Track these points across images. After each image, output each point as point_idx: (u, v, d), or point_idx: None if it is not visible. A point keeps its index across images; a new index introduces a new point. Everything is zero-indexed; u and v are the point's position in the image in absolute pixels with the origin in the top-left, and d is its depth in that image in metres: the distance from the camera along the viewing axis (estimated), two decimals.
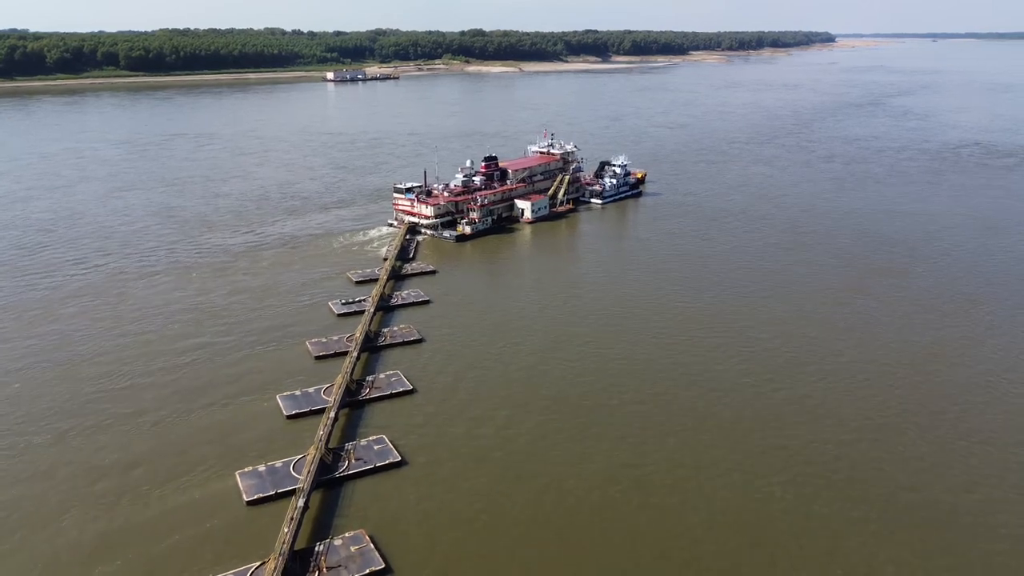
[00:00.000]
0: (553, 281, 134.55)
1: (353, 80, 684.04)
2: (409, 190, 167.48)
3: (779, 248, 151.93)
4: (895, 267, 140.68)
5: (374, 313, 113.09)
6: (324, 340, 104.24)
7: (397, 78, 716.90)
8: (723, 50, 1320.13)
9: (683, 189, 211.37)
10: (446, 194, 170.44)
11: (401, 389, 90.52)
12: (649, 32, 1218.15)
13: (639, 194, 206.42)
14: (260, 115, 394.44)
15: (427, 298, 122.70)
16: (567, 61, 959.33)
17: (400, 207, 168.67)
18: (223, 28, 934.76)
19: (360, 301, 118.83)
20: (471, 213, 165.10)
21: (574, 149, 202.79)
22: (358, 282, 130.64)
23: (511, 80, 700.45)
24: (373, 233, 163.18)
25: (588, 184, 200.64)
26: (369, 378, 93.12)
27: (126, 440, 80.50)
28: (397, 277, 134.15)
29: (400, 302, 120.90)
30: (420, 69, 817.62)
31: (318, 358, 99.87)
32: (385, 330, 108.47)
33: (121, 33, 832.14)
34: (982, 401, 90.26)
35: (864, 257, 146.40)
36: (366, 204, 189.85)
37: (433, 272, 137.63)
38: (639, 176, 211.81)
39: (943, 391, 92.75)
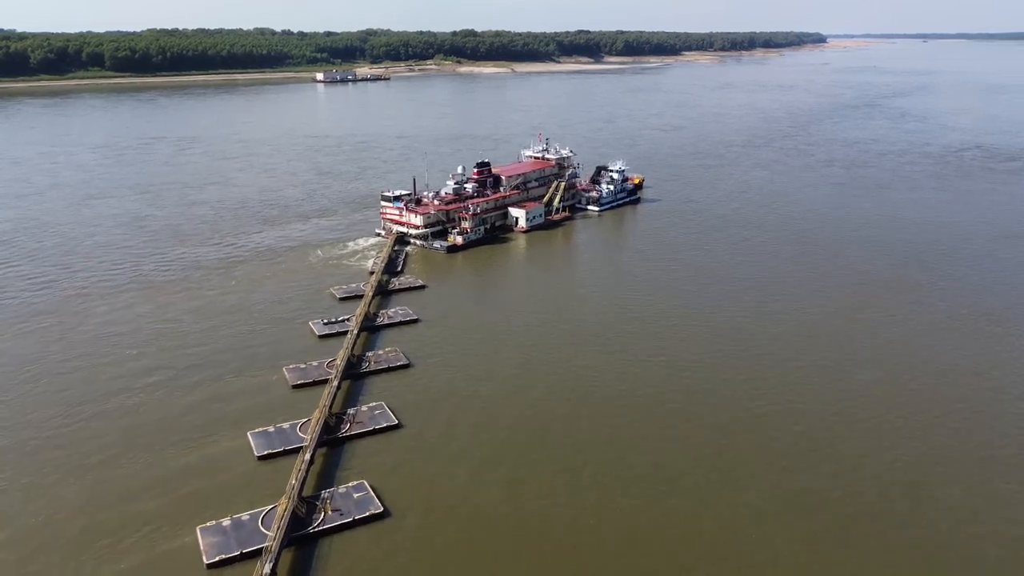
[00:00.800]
0: (550, 297, 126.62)
1: (343, 81, 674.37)
2: (397, 198, 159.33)
3: (786, 261, 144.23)
4: (908, 281, 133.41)
5: (358, 335, 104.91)
6: (303, 366, 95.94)
7: (388, 79, 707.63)
8: (715, 51, 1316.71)
9: (681, 195, 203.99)
10: (436, 202, 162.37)
11: (385, 424, 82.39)
12: (641, 33, 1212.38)
13: (637, 200, 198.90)
14: (245, 117, 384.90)
15: (415, 317, 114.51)
16: (559, 62, 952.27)
17: (388, 216, 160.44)
18: (212, 28, 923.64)
19: (343, 321, 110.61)
20: (463, 222, 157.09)
21: (570, 154, 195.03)
22: (342, 298, 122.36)
23: (503, 81, 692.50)
24: (360, 243, 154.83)
25: (584, 190, 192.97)
26: (351, 411, 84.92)
27: (59, 491, 70.99)
28: (384, 293, 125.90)
29: (386, 321, 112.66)
30: (411, 70, 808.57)
31: (296, 387, 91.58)
32: (369, 355, 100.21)
33: (108, 33, 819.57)
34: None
35: (875, 270, 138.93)
36: (351, 213, 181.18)
37: (422, 287, 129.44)
38: (636, 181, 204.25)
39: (983, 429, 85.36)
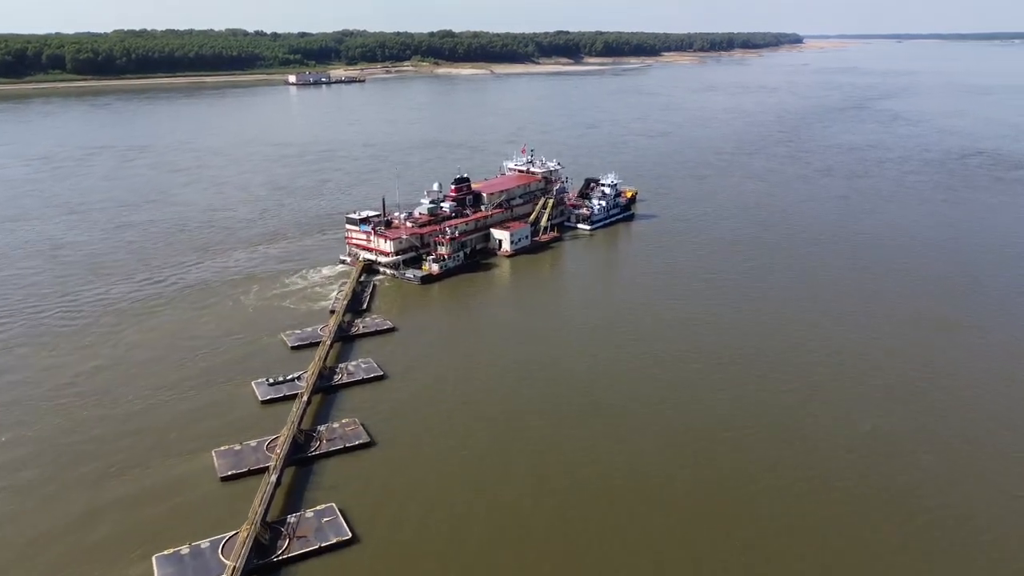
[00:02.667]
0: (537, 340, 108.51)
1: (316, 83, 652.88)
2: (364, 221, 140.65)
3: (801, 298, 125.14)
4: (951, 318, 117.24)
5: (309, 399, 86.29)
6: (237, 449, 77.13)
7: (363, 81, 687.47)
8: (695, 51, 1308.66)
9: (676, 211, 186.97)
10: (409, 224, 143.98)
11: (335, 539, 63.92)
12: (620, 33, 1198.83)
13: (631, 217, 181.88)
14: (205, 123, 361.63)
15: (380, 372, 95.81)
16: (539, 63, 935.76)
17: (354, 241, 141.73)
18: (182, 29, 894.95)
19: (293, 380, 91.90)
20: (439, 248, 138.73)
21: (557, 167, 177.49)
22: (295, 347, 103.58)
23: (482, 83, 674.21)
24: (320, 274, 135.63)
25: (574, 206, 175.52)
26: (291, 519, 66.33)
27: None
28: (345, 338, 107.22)
29: (346, 379, 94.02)
30: (388, 71, 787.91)
31: (226, 479, 72.89)
32: (322, 429, 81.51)
33: (70, 35, 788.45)
34: None
35: (909, 308, 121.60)
36: (307, 236, 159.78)
37: (391, 330, 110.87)
38: (629, 195, 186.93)
39: None
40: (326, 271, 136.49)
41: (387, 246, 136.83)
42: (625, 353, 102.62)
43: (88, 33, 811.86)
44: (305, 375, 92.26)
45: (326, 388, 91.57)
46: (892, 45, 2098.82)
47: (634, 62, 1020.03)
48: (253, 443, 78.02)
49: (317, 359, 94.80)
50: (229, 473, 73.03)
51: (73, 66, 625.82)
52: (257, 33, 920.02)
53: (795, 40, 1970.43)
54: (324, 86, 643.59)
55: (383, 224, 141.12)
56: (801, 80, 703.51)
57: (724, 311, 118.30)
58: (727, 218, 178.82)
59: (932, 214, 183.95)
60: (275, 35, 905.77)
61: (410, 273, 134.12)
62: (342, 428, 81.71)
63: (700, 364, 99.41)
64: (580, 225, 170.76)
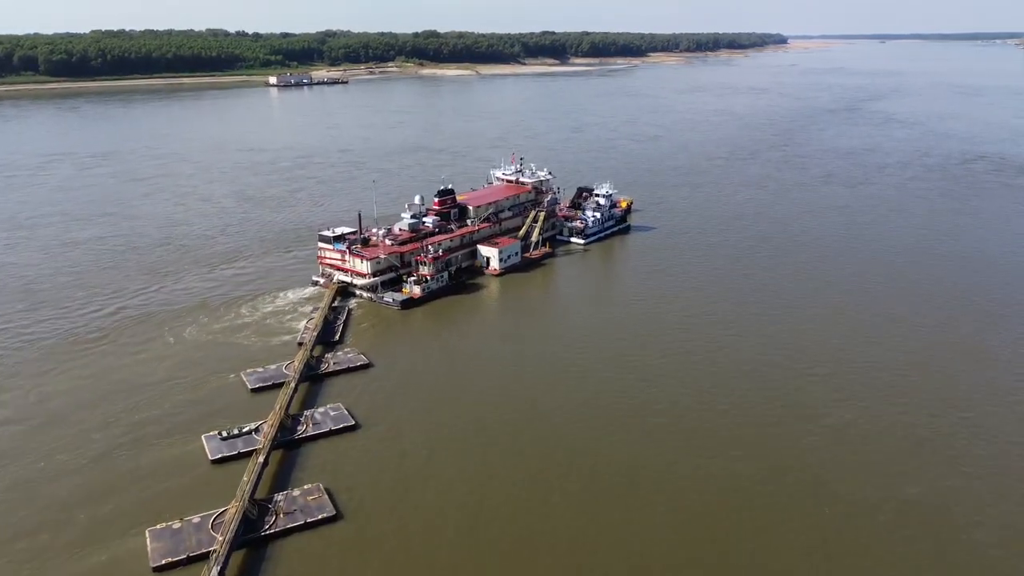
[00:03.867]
0: (535, 375, 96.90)
1: (298, 85, 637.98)
2: (339, 239, 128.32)
3: (823, 323, 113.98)
4: (999, 351, 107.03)
5: (267, 457, 74.10)
6: (176, 527, 64.77)
7: (346, 82, 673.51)
8: (681, 52, 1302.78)
9: (673, 222, 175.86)
10: (388, 242, 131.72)
11: None
12: (607, 34, 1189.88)
13: (627, 229, 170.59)
14: (176, 127, 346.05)
15: (352, 421, 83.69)
16: (525, 63, 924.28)
17: (327, 261, 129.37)
18: (161, 29, 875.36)
19: (250, 432, 79.61)
20: (421, 267, 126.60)
21: (548, 176, 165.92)
22: (256, 389, 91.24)
23: (467, 84, 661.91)
24: (288, 297, 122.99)
25: (566, 218, 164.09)
26: None
27: None
28: (314, 377, 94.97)
29: (310, 431, 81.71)
30: (372, 72, 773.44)
31: (159, 570, 60.53)
32: (279, 500, 69.22)
33: (43, 35, 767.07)
34: None
35: (942, 335, 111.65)
36: (272, 255, 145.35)
37: (366, 366, 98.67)
38: (624, 205, 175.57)
39: None
40: (293, 295, 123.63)
41: (364, 267, 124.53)
42: (628, 404, 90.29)
43: (67, 34, 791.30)
44: (264, 426, 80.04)
45: (288, 443, 79.25)
46: (875, 45, 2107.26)
47: (621, 63, 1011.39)
48: (196, 519, 65.70)
49: (278, 408, 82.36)
50: (164, 562, 60.70)
51: (46, 67, 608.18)
52: (239, 33, 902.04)
53: (780, 40, 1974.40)
54: (306, 87, 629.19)
55: (359, 242, 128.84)
56: (789, 81, 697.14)
57: (740, 345, 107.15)
58: (727, 230, 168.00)
59: (944, 226, 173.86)
60: (257, 35, 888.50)
61: (389, 297, 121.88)
62: (304, 497, 69.49)
63: (712, 422, 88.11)
64: (573, 239, 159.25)
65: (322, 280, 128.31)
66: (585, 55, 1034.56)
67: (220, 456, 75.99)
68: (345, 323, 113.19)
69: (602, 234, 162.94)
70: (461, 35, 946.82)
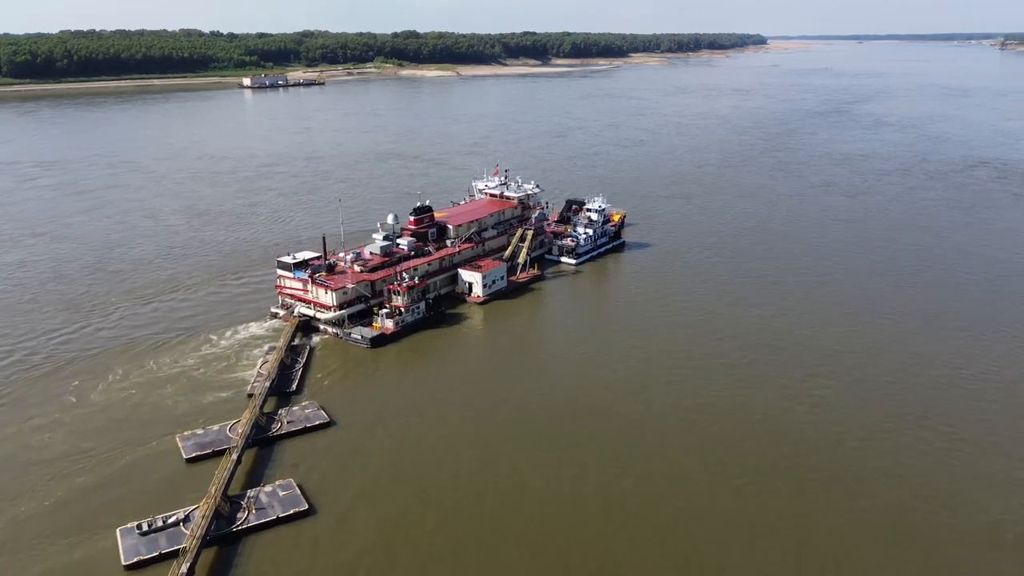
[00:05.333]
0: (524, 439, 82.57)
1: (273, 86, 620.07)
2: (301, 265, 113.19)
3: (850, 366, 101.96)
4: None
5: (196, 557, 59.08)
6: None
7: (323, 83, 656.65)
8: (662, 52, 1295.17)
9: (668, 239, 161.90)
10: (357, 268, 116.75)
11: None
12: (588, 34, 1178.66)
13: (621, 245, 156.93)
14: (134, 132, 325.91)
15: (305, 505, 68.53)
16: (506, 64, 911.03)
17: (287, 291, 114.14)
18: (132, 30, 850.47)
19: (177, 524, 64.47)
20: (395, 297, 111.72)
21: (536, 190, 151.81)
22: (192, 459, 76.02)
23: (447, 85, 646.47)
24: (240, 334, 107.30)
25: (555, 234, 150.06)
26: None
27: None
28: (263, 441, 79.88)
29: (254, 519, 66.55)
30: (350, 73, 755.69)
31: None
32: None
33: (11, 35, 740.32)
34: None
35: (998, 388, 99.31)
36: (222, 283, 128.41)
37: (326, 425, 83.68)
38: (616, 219, 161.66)
39: None
40: (244, 332, 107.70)
41: (328, 298, 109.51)
42: (630, 449, 76.95)
43: (38, 34, 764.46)
44: (195, 514, 64.97)
45: (223, 537, 64.22)
46: (854, 46, 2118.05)
47: (602, 63, 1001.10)
48: None
49: (213, 490, 67.17)
50: None
51: (9, 69, 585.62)
52: (213, 33, 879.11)
53: (760, 41, 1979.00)
54: (281, 89, 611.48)
55: (324, 269, 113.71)
56: (773, 82, 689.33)
57: (755, 401, 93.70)
58: (729, 249, 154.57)
59: (959, 242, 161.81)
60: (232, 36, 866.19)
61: (357, 333, 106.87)
62: None
63: (730, 511, 74.33)
64: (564, 259, 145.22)
65: (282, 312, 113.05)
66: (566, 56, 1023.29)
67: (136, 560, 60.77)
68: (305, 367, 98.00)
69: (595, 252, 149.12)
70: (441, 35, 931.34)
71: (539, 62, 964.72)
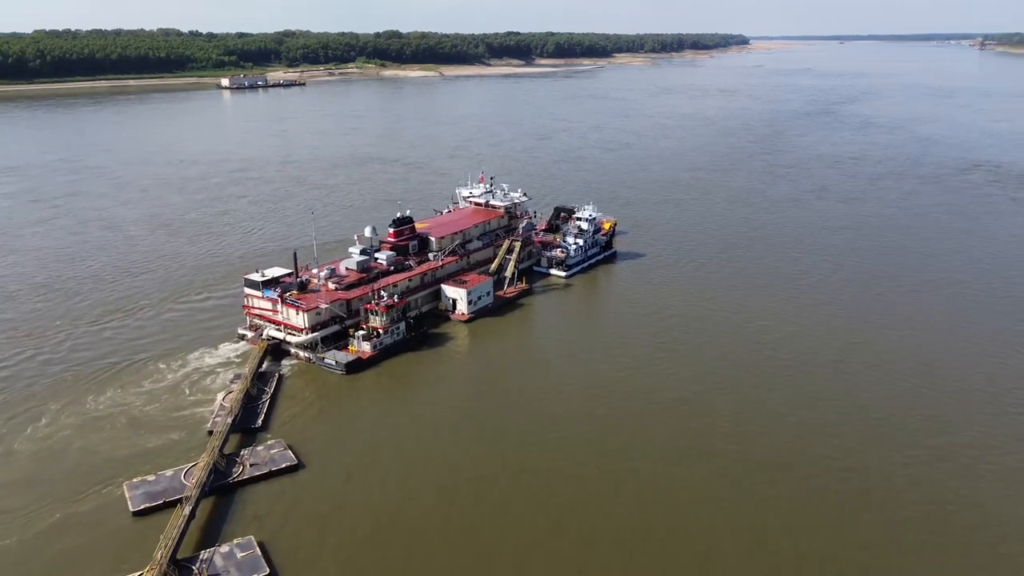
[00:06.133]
0: (514, 481, 74.57)
1: (252, 87, 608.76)
2: (270, 283, 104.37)
3: (851, 385, 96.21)
4: None
5: None
6: None
7: (303, 84, 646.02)
8: (646, 52, 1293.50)
9: (660, 248, 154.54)
10: (332, 285, 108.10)
11: None
12: (572, 34, 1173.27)
13: (613, 256, 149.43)
14: (102, 136, 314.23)
15: (267, 570, 59.96)
16: (489, 64, 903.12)
17: (255, 311, 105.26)
18: (109, 29, 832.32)
19: None
20: (372, 318, 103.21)
21: (523, 198, 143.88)
22: (139, 512, 67.18)
23: (430, 86, 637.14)
24: (204, 360, 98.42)
25: (544, 245, 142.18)
26: None
27: None
28: (223, 489, 71.20)
29: None
30: (331, 74, 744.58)
31: None
32: None
33: None
34: None
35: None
36: (183, 302, 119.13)
37: (294, 468, 75.05)
38: (607, 228, 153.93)
39: None
40: (209, 358, 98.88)
41: (300, 319, 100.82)
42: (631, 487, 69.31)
43: (13, 34, 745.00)
44: None
45: None
46: (835, 46, 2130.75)
47: (586, 64, 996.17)
48: None
49: (157, 560, 58.23)
50: None
51: None
52: (191, 33, 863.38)
53: (742, 41, 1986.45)
54: (260, 90, 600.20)
55: (295, 287, 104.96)
56: (757, 83, 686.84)
57: (763, 437, 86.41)
58: (724, 259, 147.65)
59: (963, 250, 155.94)
60: (211, 35, 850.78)
61: (331, 357, 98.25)
62: None
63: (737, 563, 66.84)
64: (553, 271, 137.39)
65: (249, 335, 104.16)
66: (550, 56, 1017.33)
67: None
68: (272, 398, 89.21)
69: (585, 264, 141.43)
70: (424, 35, 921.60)
71: (523, 62, 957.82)
